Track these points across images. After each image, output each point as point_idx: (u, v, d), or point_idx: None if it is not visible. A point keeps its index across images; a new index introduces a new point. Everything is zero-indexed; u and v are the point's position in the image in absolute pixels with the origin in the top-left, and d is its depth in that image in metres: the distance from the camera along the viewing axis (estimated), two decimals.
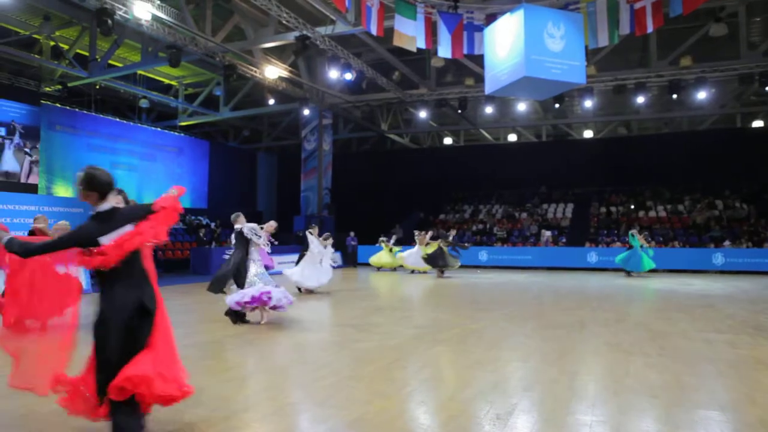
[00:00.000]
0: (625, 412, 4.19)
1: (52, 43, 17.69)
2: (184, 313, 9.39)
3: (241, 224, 8.23)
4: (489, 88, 11.17)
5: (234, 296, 7.88)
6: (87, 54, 17.75)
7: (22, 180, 18.48)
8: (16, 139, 18.44)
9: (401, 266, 19.67)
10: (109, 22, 13.25)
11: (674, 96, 18.89)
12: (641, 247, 17.48)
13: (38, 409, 4.18)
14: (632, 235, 17.78)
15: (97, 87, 21.22)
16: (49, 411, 4.07)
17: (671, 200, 24.52)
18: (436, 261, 17.59)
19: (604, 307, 10.33)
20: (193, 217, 23.26)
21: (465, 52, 13.09)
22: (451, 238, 18.43)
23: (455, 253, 18.06)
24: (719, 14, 16.04)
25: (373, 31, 12.66)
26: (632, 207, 24.53)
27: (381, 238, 21.02)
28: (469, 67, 18.42)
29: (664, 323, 8.43)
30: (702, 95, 18.69)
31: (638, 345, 6.65)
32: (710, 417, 4.09)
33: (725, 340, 6.98)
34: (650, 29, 12.15)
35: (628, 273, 17.76)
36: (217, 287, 8.06)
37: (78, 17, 16.69)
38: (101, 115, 22.20)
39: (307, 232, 12.75)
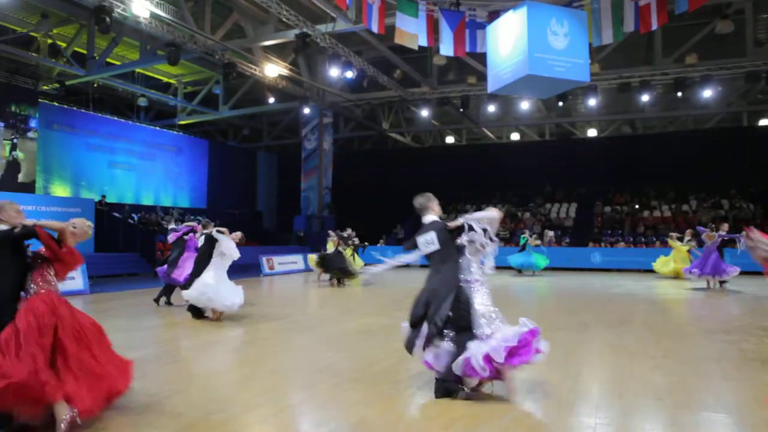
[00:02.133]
0: (630, 414, 4.15)
1: (50, 41, 17.62)
2: (182, 313, 9.29)
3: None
4: (491, 86, 11.03)
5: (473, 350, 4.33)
6: (85, 52, 17.72)
7: None
8: None
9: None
10: (108, 19, 13.24)
11: (679, 94, 18.84)
12: (534, 246, 18.03)
13: None
14: (523, 237, 18.27)
15: (95, 85, 21.16)
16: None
17: (676, 200, 24.30)
18: (329, 264, 14.59)
19: (608, 308, 10.22)
20: (192, 217, 23.05)
21: (467, 50, 12.97)
22: (348, 239, 16.34)
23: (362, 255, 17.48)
24: (725, 11, 15.92)
25: (374, 28, 12.53)
26: (636, 207, 24.33)
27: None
28: (471, 65, 18.31)
29: (669, 324, 8.33)
30: (708, 93, 18.60)
31: (643, 346, 6.57)
32: (716, 419, 4.06)
33: (731, 342, 6.88)
34: (655, 26, 12.01)
35: (519, 271, 18.03)
36: None
37: (76, 15, 16.66)
38: (99, 114, 22.11)
39: (214, 231, 8.87)
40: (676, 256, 15.88)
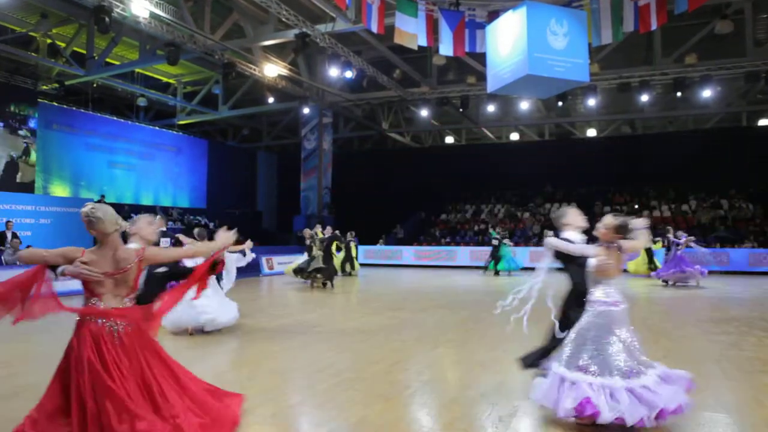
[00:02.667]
0: None
1: (49, 41, 17.56)
2: None
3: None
4: (491, 86, 11.00)
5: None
6: (84, 52, 17.66)
7: None
8: None
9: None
10: (107, 19, 13.12)
11: (679, 94, 18.75)
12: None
13: None
14: (501, 237, 18.31)
15: (95, 85, 21.09)
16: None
17: (676, 200, 24.28)
18: (305, 272, 13.93)
19: None
20: (191, 217, 23.06)
21: (467, 49, 12.94)
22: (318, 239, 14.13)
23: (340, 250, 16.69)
24: (725, 11, 15.84)
25: (374, 28, 12.49)
26: (636, 207, 24.30)
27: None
28: (470, 65, 18.24)
29: (669, 324, 8.33)
30: (707, 93, 18.52)
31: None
32: (716, 419, 4.06)
33: (731, 342, 6.90)
34: (654, 26, 11.97)
35: (497, 272, 18.15)
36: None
37: (75, 15, 16.59)
38: (99, 114, 22.03)
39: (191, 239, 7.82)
40: (642, 256, 16.41)
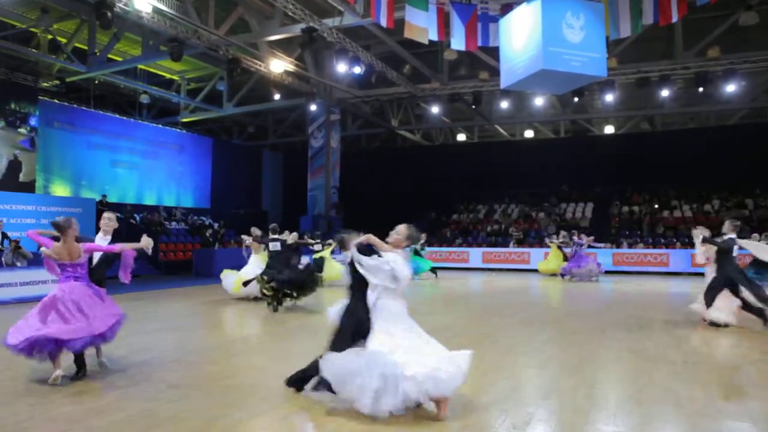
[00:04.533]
0: (649, 422, 4.04)
1: (50, 37, 17.40)
2: (186, 316, 9.16)
3: None
4: (504, 82, 10.70)
5: None
6: (86, 48, 17.54)
7: None
8: None
9: None
10: (109, 14, 12.94)
11: (701, 89, 18.31)
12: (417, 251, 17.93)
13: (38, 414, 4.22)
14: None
15: (97, 82, 20.93)
16: (49, 417, 4.14)
17: (698, 199, 23.57)
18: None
19: (626, 311, 10.12)
20: (195, 217, 22.71)
21: (479, 44, 12.61)
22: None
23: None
24: (750, 2, 15.27)
25: (383, 22, 12.14)
26: (656, 206, 23.62)
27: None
28: (483, 60, 17.86)
29: (690, 329, 8.05)
30: (731, 88, 18.10)
31: (662, 352, 6.47)
32: (740, 428, 3.92)
33: (756, 348, 6.71)
34: (675, 18, 11.57)
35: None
36: None
37: (76, 10, 16.49)
38: (101, 112, 21.78)
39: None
40: (553, 257, 17.44)
